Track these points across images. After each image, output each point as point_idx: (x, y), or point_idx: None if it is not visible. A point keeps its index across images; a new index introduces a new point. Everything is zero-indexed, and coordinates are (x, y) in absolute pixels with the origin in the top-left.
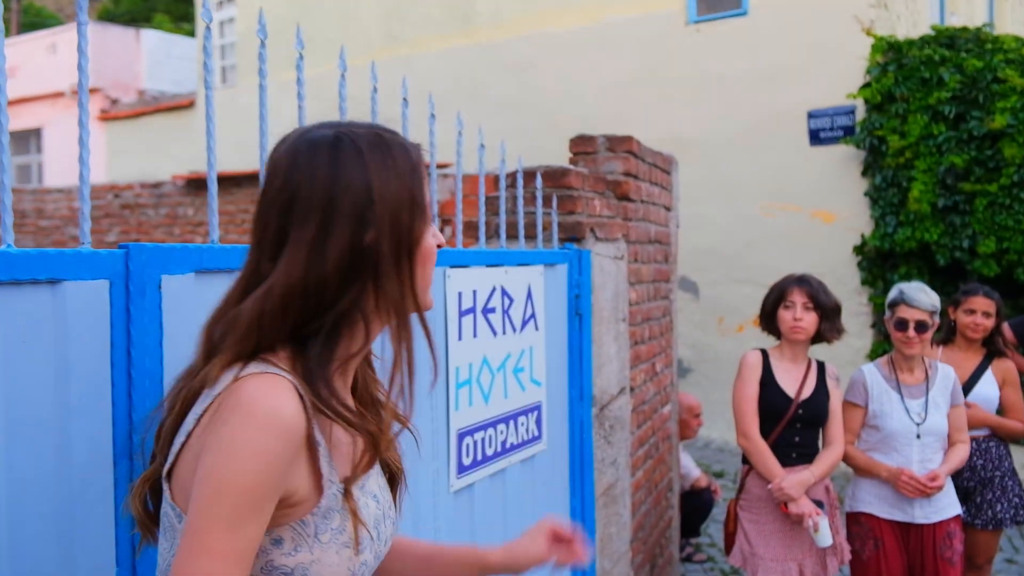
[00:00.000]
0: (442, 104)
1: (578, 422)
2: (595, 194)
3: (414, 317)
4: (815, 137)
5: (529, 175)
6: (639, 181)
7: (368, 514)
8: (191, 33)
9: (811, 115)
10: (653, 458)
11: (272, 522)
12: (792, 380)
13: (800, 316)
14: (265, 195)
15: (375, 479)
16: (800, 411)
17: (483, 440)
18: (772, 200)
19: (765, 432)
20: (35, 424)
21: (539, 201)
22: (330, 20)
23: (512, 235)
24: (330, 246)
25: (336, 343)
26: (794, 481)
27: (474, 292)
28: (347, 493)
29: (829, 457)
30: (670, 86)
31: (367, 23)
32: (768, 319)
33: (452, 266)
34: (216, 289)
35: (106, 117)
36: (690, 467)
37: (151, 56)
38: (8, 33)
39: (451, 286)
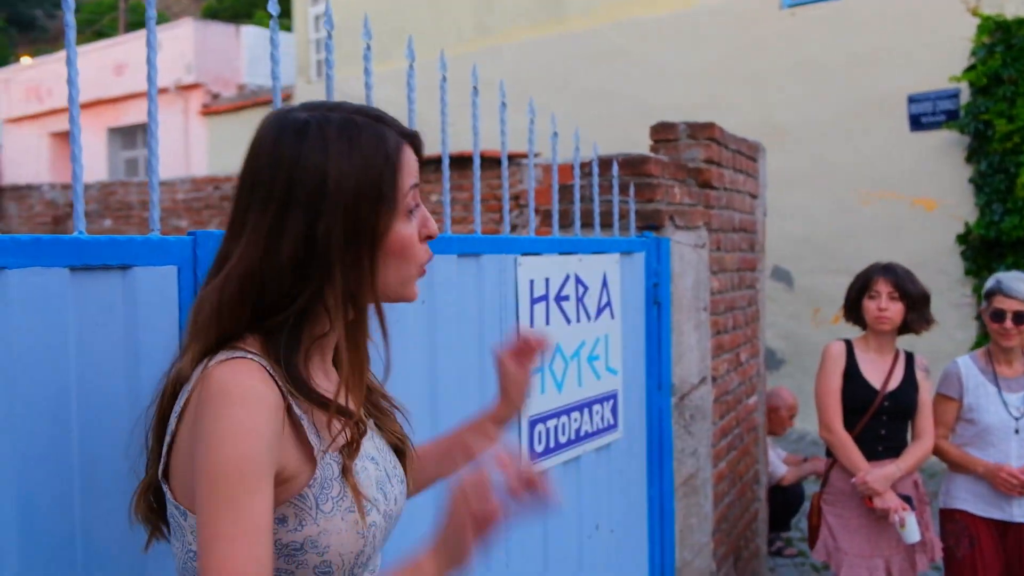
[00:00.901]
0: (532, 93)
1: (656, 411)
2: (675, 182)
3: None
4: (916, 122)
5: (607, 163)
6: (722, 168)
7: (368, 476)
8: (290, 28)
9: (912, 99)
10: (737, 449)
11: (275, 500)
12: (878, 371)
13: (885, 306)
14: (239, 176)
15: (371, 442)
16: (886, 403)
17: (555, 427)
18: (870, 188)
19: (850, 425)
20: (109, 405)
21: (615, 189)
22: (422, 12)
23: (589, 223)
24: (284, 235)
25: (301, 333)
26: (879, 475)
27: (546, 280)
28: (345, 468)
29: (918, 451)
30: (764, 72)
31: (459, 14)
32: (852, 309)
33: (523, 254)
34: None
35: (207, 111)
36: (777, 464)
37: (251, 51)
38: (113, 33)
39: (522, 274)
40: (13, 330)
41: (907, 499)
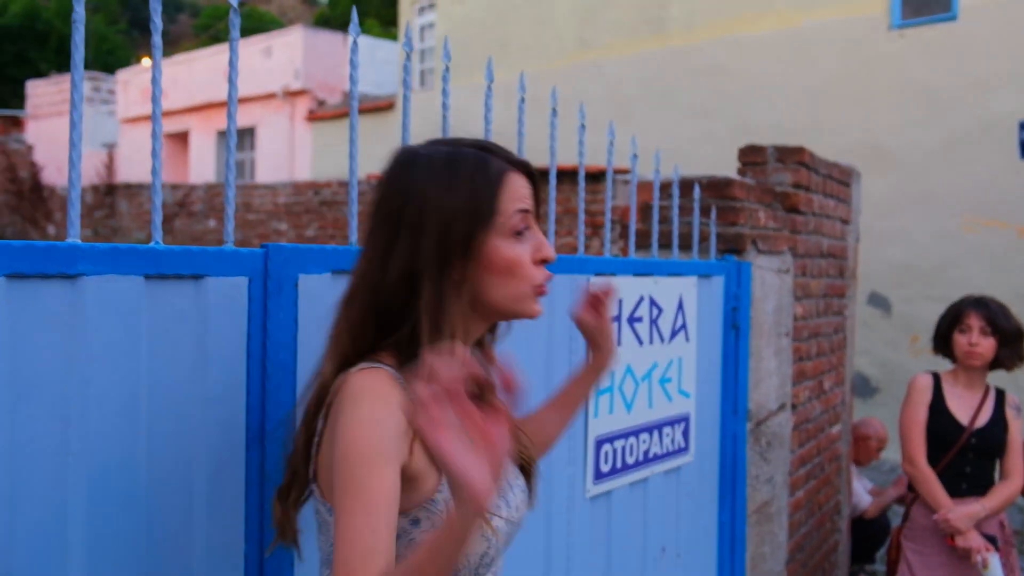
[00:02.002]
0: (632, 109)
1: (731, 436)
2: (760, 205)
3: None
4: None
5: (689, 185)
6: (810, 193)
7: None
8: (397, 37)
9: (1023, 125)
10: (817, 478)
11: (407, 504)
12: (965, 407)
13: (976, 341)
14: (373, 202)
15: None
16: (973, 440)
17: (623, 448)
18: (976, 215)
19: (934, 460)
20: (175, 409)
21: (696, 211)
22: (525, 25)
23: (668, 245)
24: (394, 254)
25: (420, 344)
26: (962, 513)
27: (620, 301)
28: None
29: (1005, 491)
30: (870, 93)
31: (561, 28)
32: (942, 342)
33: (596, 274)
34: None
35: (313, 118)
36: (861, 495)
37: (359, 59)
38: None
39: None
40: (89, 334)
41: (991, 539)
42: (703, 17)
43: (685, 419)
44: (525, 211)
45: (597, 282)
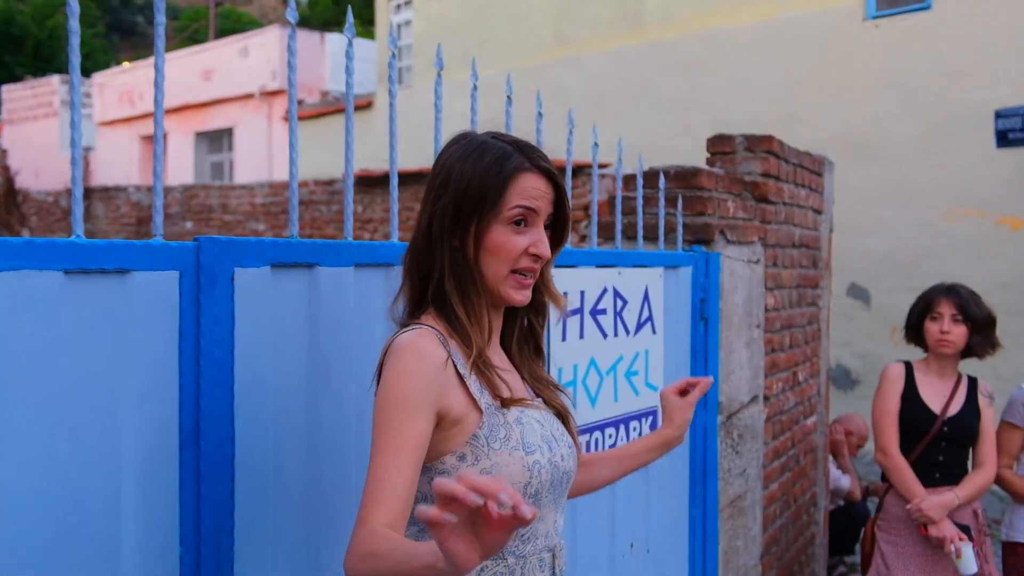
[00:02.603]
0: (610, 104)
1: (701, 430)
2: (729, 195)
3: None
4: (1003, 138)
5: (655, 176)
6: (780, 182)
7: (533, 431)
8: (374, 36)
9: (999, 114)
10: (792, 471)
11: (454, 444)
12: (938, 396)
13: (948, 329)
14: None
15: (536, 412)
16: (945, 429)
17: (588, 443)
18: (954, 205)
19: (906, 449)
20: (101, 408)
21: (661, 202)
22: (502, 22)
23: (634, 236)
24: (425, 216)
25: (448, 297)
26: (935, 502)
27: (581, 293)
28: (514, 402)
29: (978, 480)
30: (846, 84)
31: (538, 24)
32: (914, 330)
33: (556, 266)
34: (293, 283)
35: None
36: (838, 478)
37: (334, 59)
38: (205, 38)
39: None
40: (2, 330)
41: (965, 529)
42: (680, 11)
43: (653, 413)
44: (529, 208)
45: (700, 379)
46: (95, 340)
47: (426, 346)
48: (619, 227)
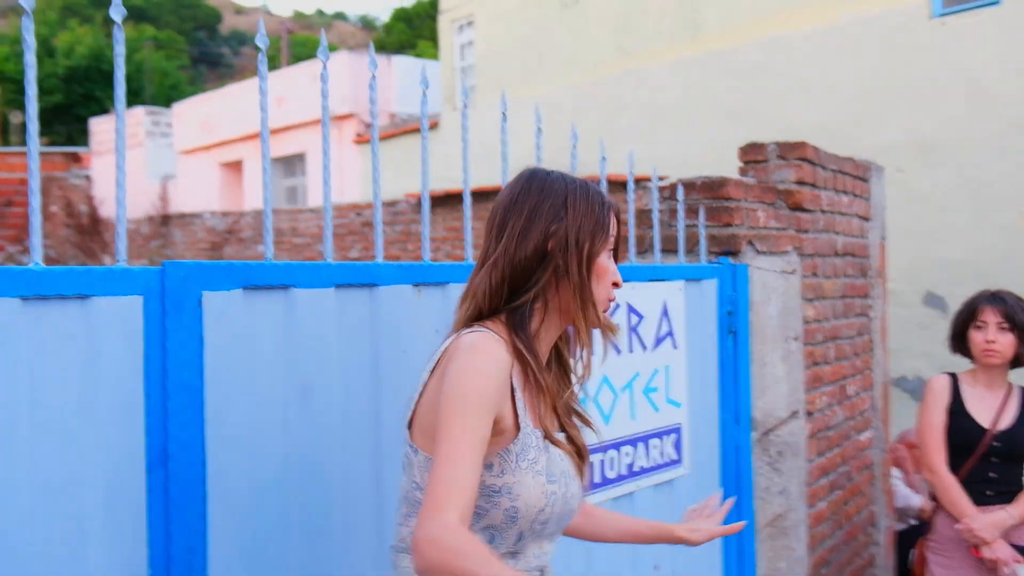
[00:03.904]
0: (672, 115)
1: (733, 447)
2: (761, 204)
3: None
4: None
5: (686, 187)
6: (817, 189)
7: (556, 463)
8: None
9: None
10: (844, 488)
11: (488, 452)
12: (987, 409)
13: (993, 338)
14: (500, 200)
15: (559, 451)
16: (996, 443)
17: (602, 462)
18: None
19: (955, 466)
20: (63, 433)
21: (680, 214)
22: (562, 38)
23: (671, 250)
24: (529, 238)
25: (531, 315)
26: (987, 522)
27: None
28: (547, 434)
29: None
30: (913, 86)
31: (598, 39)
32: (958, 340)
33: None
34: (267, 305)
35: (361, 140)
36: (908, 496)
37: (401, 81)
38: (278, 65)
39: None
40: None
41: (1021, 550)
42: (739, 18)
43: (676, 430)
44: (615, 242)
45: (723, 502)
46: (57, 364)
47: (498, 349)
48: (632, 241)
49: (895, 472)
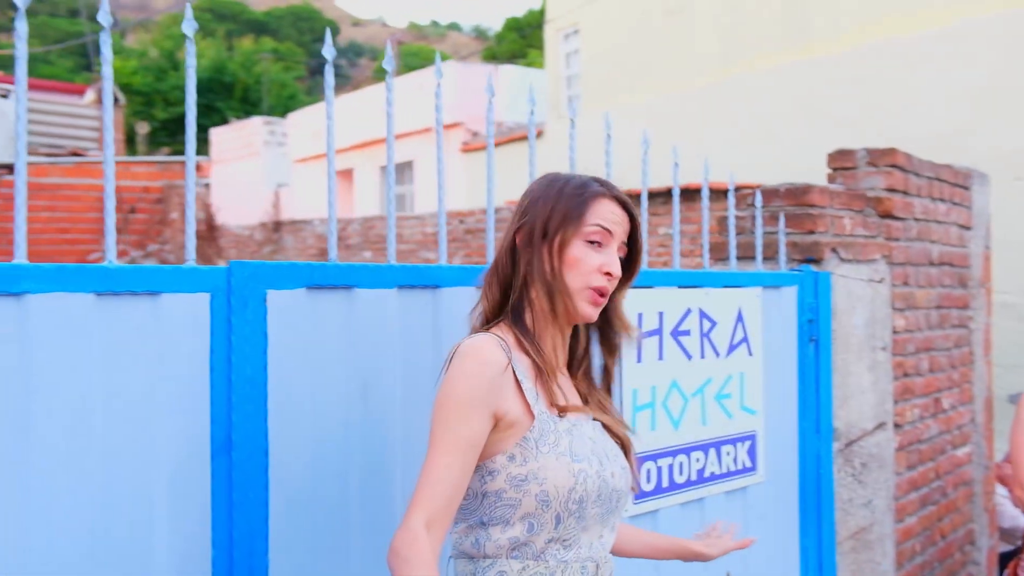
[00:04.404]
0: (778, 123)
1: (813, 456)
2: (848, 212)
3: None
4: None
5: (768, 194)
6: (909, 197)
7: (583, 443)
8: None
9: None
10: (937, 504)
11: (506, 445)
12: None
13: None
14: None
15: (590, 428)
16: None
17: (670, 467)
18: None
19: None
20: (133, 420)
21: (758, 220)
22: (667, 46)
23: (747, 256)
24: (508, 234)
25: (524, 310)
26: None
27: (660, 313)
28: (563, 410)
29: None
30: None
31: (703, 46)
32: None
33: (632, 286)
34: (330, 304)
35: (467, 149)
36: (1016, 515)
37: (508, 90)
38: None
39: (627, 306)
40: (35, 348)
41: None
42: (849, 24)
43: (751, 437)
44: (604, 229)
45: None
46: (128, 356)
47: (487, 351)
48: (706, 247)
49: (1000, 491)
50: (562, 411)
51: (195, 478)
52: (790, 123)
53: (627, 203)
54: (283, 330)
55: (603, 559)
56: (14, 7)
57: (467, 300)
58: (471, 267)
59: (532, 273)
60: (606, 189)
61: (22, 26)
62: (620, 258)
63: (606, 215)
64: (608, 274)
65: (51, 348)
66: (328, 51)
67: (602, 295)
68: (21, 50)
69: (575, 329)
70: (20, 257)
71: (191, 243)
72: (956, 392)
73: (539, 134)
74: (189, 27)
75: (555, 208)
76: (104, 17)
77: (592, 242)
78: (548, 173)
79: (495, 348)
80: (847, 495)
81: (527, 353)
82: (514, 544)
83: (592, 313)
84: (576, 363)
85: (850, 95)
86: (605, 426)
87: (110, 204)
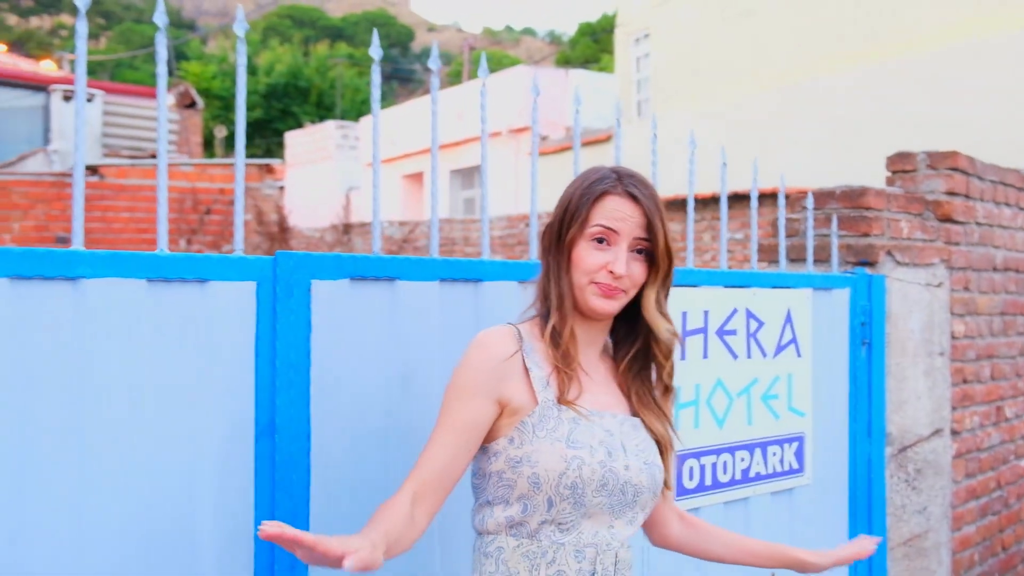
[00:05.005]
0: (852, 126)
1: (864, 461)
2: (905, 215)
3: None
4: None
5: (824, 196)
6: (971, 201)
7: (590, 432)
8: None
9: None
10: (999, 515)
11: (507, 429)
12: None
13: None
14: None
15: (614, 422)
16: None
17: (714, 465)
18: None
19: None
20: (182, 400)
21: (809, 222)
22: (740, 49)
23: (802, 259)
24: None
25: (552, 306)
26: None
27: (705, 312)
28: (568, 404)
29: None
30: None
31: (777, 49)
32: None
33: (674, 285)
34: (373, 295)
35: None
36: None
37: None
38: (459, 80)
39: (671, 304)
40: (90, 331)
41: None
42: (924, 27)
43: (799, 439)
44: (608, 228)
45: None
46: (177, 339)
47: (493, 340)
48: (754, 247)
49: None
50: (567, 403)
51: (239, 459)
52: (862, 127)
53: (639, 197)
54: (326, 319)
55: (607, 548)
56: (77, 9)
57: (509, 294)
58: (513, 262)
59: (555, 272)
60: (617, 184)
61: (82, 26)
62: (643, 252)
63: (611, 212)
64: (612, 272)
65: (105, 330)
66: (375, 51)
67: (612, 290)
68: (81, 48)
69: (625, 325)
70: (77, 244)
71: (239, 233)
72: (1021, 401)
73: (608, 138)
74: (240, 27)
75: (566, 210)
76: (160, 17)
77: (598, 240)
78: (584, 171)
79: (502, 338)
80: (900, 501)
81: (554, 346)
82: (510, 522)
83: (603, 306)
84: (621, 358)
85: (923, 98)
86: (644, 423)
87: (162, 196)
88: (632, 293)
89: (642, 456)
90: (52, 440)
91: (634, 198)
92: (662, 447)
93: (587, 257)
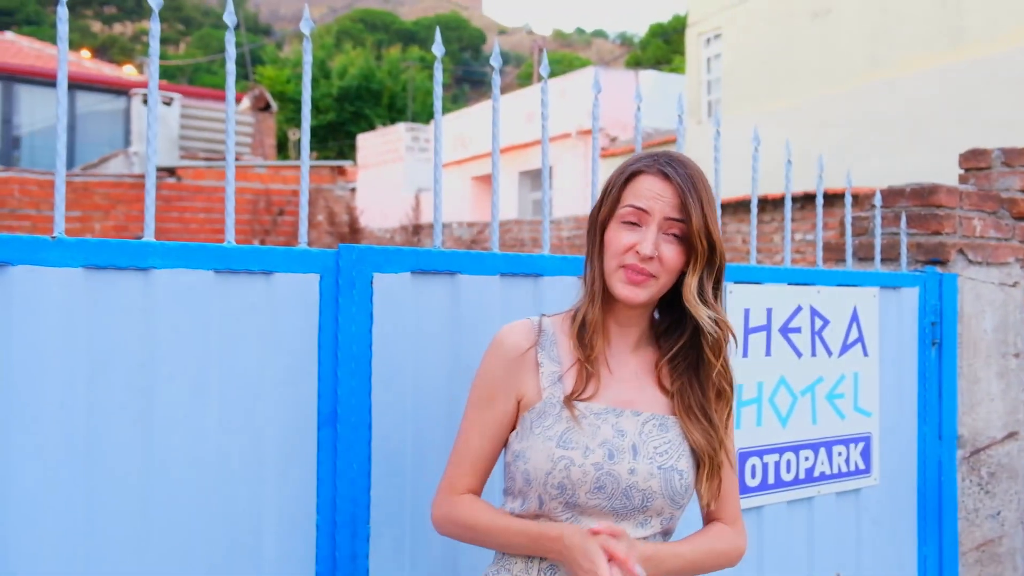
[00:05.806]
0: (930, 126)
1: (934, 463)
2: (978, 213)
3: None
4: None
5: (894, 195)
6: None
7: (592, 433)
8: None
9: None
10: None
11: (517, 422)
12: None
13: None
14: None
15: (631, 417)
16: None
17: (776, 464)
18: None
19: None
20: (246, 389)
21: (877, 220)
22: (813, 48)
23: (869, 257)
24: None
25: (586, 296)
26: None
27: (768, 310)
28: (568, 403)
29: None
30: None
31: (850, 48)
32: None
33: (736, 282)
34: (434, 288)
35: (605, 154)
36: None
37: (648, 96)
38: (530, 83)
39: (733, 302)
40: (160, 319)
41: None
42: (1005, 24)
43: (865, 439)
44: (639, 208)
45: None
46: (242, 330)
47: (508, 337)
48: (819, 243)
49: None
50: (567, 401)
51: (302, 446)
52: (941, 126)
53: (671, 176)
54: (388, 311)
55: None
56: (151, 10)
57: (568, 289)
58: (572, 257)
59: (590, 257)
60: (652, 164)
61: (155, 26)
62: (679, 237)
63: (643, 192)
64: (639, 256)
65: (174, 319)
66: (438, 48)
67: (639, 274)
68: (154, 47)
69: (670, 316)
70: (148, 236)
71: (303, 226)
72: None
73: (672, 141)
74: (306, 26)
75: (604, 196)
76: (231, 17)
77: (629, 223)
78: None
79: (518, 334)
80: (972, 505)
81: (579, 340)
82: (514, 514)
83: (630, 294)
84: (665, 352)
85: (1006, 97)
86: (682, 427)
87: (230, 190)
88: (665, 280)
89: (658, 460)
90: (120, 425)
91: (667, 176)
92: (698, 457)
93: (616, 239)
